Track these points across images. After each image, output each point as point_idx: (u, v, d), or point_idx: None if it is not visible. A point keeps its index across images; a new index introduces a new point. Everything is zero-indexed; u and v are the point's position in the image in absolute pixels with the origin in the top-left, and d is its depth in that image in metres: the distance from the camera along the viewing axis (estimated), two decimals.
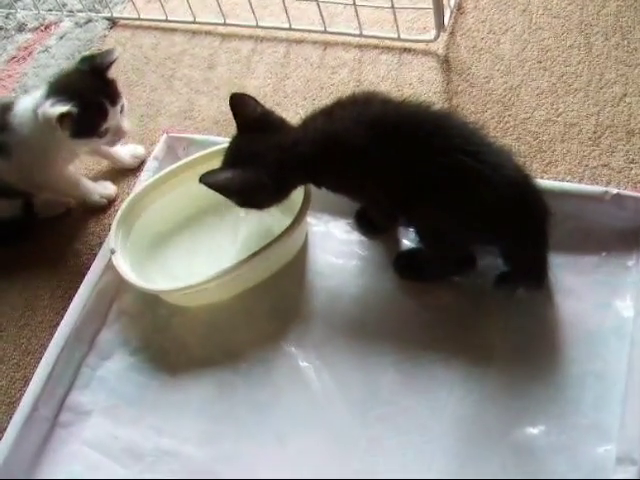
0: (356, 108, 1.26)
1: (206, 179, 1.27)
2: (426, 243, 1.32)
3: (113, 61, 1.50)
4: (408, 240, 1.42)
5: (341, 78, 1.74)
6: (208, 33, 1.95)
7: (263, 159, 1.27)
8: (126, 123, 1.55)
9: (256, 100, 1.32)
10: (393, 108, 1.27)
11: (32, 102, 1.49)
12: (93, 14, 2.08)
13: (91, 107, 1.47)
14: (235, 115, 1.32)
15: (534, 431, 1.18)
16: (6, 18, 2.17)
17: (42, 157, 1.53)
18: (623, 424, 1.14)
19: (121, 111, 1.53)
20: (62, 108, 1.42)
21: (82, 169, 1.71)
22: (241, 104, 1.32)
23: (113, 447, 1.32)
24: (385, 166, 1.22)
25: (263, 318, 1.40)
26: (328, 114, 1.28)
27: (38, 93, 1.50)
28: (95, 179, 1.69)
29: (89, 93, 1.47)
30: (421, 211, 1.24)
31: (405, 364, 1.28)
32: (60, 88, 1.49)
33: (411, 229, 1.38)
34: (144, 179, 1.56)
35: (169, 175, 1.51)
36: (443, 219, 1.22)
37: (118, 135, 1.54)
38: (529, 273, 1.29)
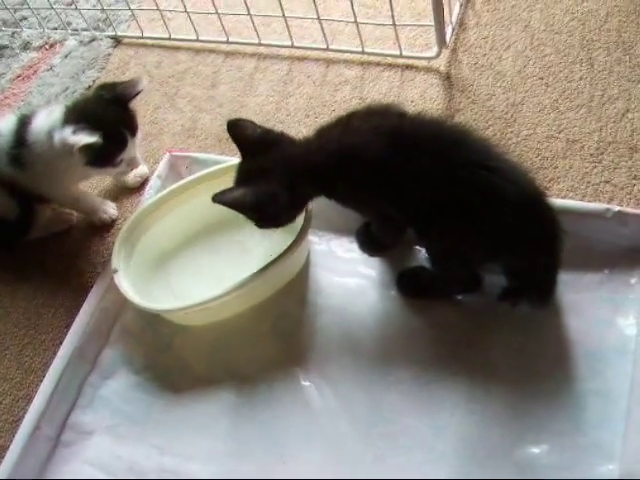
0: (373, 120, 1.25)
1: (220, 198, 1.24)
2: (436, 261, 1.31)
3: (138, 92, 1.47)
4: (411, 258, 1.41)
5: (343, 95, 1.74)
6: (211, 51, 1.96)
7: (273, 173, 1.24)
8: (139, 153, 1.55)
9: (253, 122, 1.30)
10: (411, 121, 1.27)
11: (48, 123, 1.46)
12: (97, 33, 2.09)
13: (112, 138, 1.44)
14: (235, 140, 1.30)
15: (536, 450, 1.18)
16: (11, 37, 2.19)
17: (53, 174, 1.51)
18: (626, 443, 1.14)
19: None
20: (87, 139, 1.38)
21: (86, 186, 1.71)
22: (239, 128, 1.29)
23: (116, 466, 1.32)
24: (403, 178, 1.20)
25: (265, 337, 1.40)
26: (344, 125, 1.26)
27: (54, 114, 1.47)
28: (99, 197, 1.70)
29: (112, 123, 1.44)
30: (437, 225, 1.22)
31: (407, 383, 1.28)
32: (81, 115, 1.44)
33: (421, 247, 1.38)
34: (147, 198, 1.56)
35: (172, 194, 1.51)
36: (459, 233, 1.21)
37: (132, 166, 1.54)
38: (537, 290, 1.28)
